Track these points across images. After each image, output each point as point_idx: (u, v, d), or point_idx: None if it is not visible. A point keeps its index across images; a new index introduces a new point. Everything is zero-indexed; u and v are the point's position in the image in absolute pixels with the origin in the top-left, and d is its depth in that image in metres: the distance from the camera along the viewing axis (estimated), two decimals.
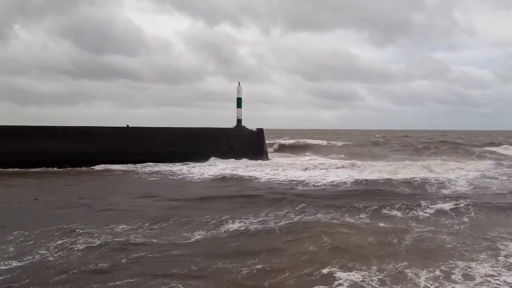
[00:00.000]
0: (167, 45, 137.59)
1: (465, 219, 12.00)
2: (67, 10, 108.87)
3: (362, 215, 12.58)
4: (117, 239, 9.46)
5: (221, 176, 22.59)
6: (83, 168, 26.52)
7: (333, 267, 7.75)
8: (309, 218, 12.04)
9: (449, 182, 19.48)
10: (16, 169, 25.10)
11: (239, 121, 35.00)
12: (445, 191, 17.30)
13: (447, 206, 13.22)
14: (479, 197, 15.51)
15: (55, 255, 8.54)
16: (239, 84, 35.16)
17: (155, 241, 9.66)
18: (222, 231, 10.55)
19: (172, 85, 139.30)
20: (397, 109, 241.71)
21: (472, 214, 12.45)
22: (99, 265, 7.87)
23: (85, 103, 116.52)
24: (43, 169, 25.71)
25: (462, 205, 13.25)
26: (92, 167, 26.88)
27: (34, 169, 25.38)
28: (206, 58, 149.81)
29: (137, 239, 9.65)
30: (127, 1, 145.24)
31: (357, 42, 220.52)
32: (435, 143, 49.75)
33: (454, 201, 13.71)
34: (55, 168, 26.07)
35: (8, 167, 25.35)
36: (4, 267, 7.83)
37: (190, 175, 23.44)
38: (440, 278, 7.32)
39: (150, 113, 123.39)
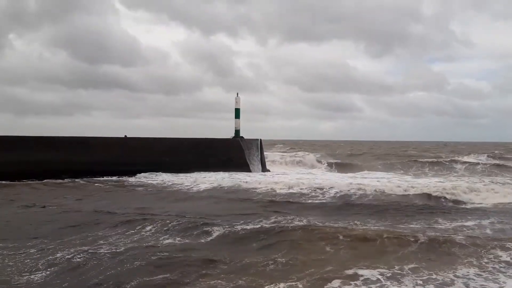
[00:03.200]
0: (164, 55, 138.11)
1: None
2: (63, 20, 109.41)
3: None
4: None
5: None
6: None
7: None
8: None
9: None
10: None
11: (237, 131, 35.00)
12: None
13: None
14: None
15: None
16: (237, 95, 35.30)
17: None
18: None
19: (170, 96, 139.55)
20: (395, 120, 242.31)
21: None
22: None
23: (83, 114, 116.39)
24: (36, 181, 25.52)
25: None
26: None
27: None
28: (203, 68, 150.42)
29: None
30: (123, 12, 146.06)
31: (354, 53, 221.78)
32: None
33: None
34: (52, 179, 25.60)
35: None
36: None
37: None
38: None
39: (148, 124, 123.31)
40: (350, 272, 8.19)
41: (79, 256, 9.16)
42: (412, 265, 8.64)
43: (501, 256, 9.17)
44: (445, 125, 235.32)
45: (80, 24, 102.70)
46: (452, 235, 10.81)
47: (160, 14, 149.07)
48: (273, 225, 12.13)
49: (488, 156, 47.37)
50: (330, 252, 9.61)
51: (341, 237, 10.48)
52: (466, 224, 12.91)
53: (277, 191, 20.84)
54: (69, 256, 9.15)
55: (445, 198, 18.78)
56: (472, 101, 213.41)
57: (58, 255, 9.30)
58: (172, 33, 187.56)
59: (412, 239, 10.26)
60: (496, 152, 58.18)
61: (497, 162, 40.89)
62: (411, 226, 12.69)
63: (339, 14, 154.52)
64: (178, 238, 10.95)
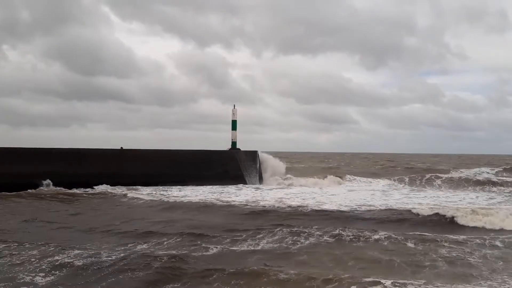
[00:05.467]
0: (159, 67, 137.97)
1: None
2: (57, 32, 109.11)
3: None
4: None
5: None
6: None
7: None
8: None
9: None
10: None
11: (234, 143, 34.96)
12: None
13: None
14: None
15: None
16: (234, 106, 35.34)
17: None
18: None
19: (166, 108, 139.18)
20: (391, 132, 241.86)
21: None
22: None
23: (78, 125, 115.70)
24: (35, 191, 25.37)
25: None
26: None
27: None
28: (198, 80, 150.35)
29: None
30: (117, 23, 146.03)
31: (348, 65, 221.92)
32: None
33: None
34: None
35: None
36: None
37: None
38: None
39: (144, 136, 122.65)
40: None
41: None
42: None
43: None
44: (441, 137, 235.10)
45: (74, 35, 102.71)
46: None
47: (154, 26, 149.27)
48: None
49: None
50: None
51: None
52: None
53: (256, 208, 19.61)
54: None
55: None
56: (468, 114, 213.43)
57: None
58: (167, 45, 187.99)
59: None
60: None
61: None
62: None
63: (333, 27, 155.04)
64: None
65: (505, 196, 25.82)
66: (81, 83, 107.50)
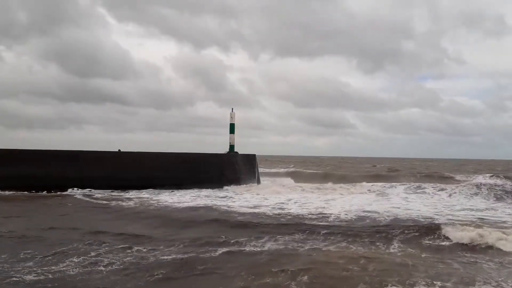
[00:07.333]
0: (156, 69, 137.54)
1: None
2: (52, 33, 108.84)
3: None
4: None
5: None
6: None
7: None
8: None
9: None
10: None
11: (231, 147, 34.89)
12: None
13: None
14: None
15: None
16: (232, 110, 35.25)
17: None
18: None
19: (163, 110, 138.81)
20: (388, 137, 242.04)
21: None
22: None
23: (75, 127, 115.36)
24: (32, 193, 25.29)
25: None
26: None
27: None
28: (195, 83, 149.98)
29: None
30: (114, 25, 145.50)
31: (346, 69, 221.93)
32: None
33: None
34: (44, 192, 25.86)
35: None
36: None
37: None
38: None
39: (141, 138, 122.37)
40: None
41: None
42: None
43: None
44: (438, 142, 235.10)
45: (71, 37, 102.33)
46: None
47: (151, 28, 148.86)
48: None
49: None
50: None
51: None
52: None
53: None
54: None
55: None
56: (465, 119, 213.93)
57: None
58: (164, 47, 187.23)
59: None
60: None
61: None
62: None
63: (330, 31, 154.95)
64: None
65: (504, 202, 25.79)
66: (78, 85, 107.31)
